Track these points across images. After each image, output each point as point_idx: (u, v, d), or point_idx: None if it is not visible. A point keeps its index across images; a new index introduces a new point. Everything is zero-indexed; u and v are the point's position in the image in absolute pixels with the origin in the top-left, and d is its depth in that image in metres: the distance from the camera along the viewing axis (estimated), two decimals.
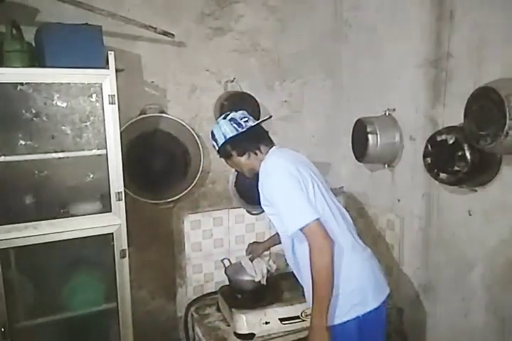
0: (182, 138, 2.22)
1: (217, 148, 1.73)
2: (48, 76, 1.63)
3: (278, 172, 1.55)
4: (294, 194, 1.49)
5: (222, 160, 1.94)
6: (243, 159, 1.69)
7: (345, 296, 1.54)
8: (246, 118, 1.70)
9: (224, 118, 1.71)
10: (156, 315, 2.36)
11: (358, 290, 1.56)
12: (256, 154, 1.69)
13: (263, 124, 1.78)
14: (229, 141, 1.67)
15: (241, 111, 1.74)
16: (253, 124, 1.70)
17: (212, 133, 1.74)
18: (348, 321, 1.54)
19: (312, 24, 2.47)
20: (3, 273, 1.64)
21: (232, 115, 1.71)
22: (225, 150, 1.70)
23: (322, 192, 1.60)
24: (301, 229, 1.45)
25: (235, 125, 1.67)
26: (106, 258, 1.82)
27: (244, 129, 1.66)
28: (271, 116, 1.86)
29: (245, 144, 1.68)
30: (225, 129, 1.67)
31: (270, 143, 1.74)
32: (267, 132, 1.77)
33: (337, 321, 1.54)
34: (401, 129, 2.12)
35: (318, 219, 1.45)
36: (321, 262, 1.43)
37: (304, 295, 1.68)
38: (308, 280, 1.51)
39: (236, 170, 1.81)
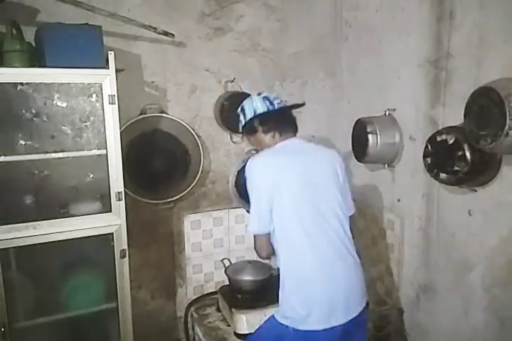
0: (182, 138, 2.22)
1: (243, 122, 1.74)
2: (47, 76, 1.63)
3: (252, 176, 1.61)
4: (253, 203, 1.61)
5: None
6: (267, 137, 1.70)
7: (288, 302, 1.57)
8: (279, 100, 1.74)
9: (258, 94, 1.75)
10: (156, 315, 2.36)
11: (298, 305, 1.54)
12: (280, 135, 1.70)
13: None
14: (259, 116, 1.69)
15: (276, 94, 1.80)
16: (285, 106, 1.74)
17: (242, 107, 1.75)
18: (279, 323, 1.56)
19: (312, 24, 2.47)
20: (3, 273, 1.64)
21: (266, 93, 1.75)
22: (252, 126, 1.71)
23: (298, 201, 1.58)
24: None
25: (267, 103, 1.70)
26: (106, 258, 1.82)
27: (275, 108, 1.70)
28: (304, 103, 1.85)
29: (273, 123, 1.70)
30: (257, 105, 1.70)
31: (293, 132, 1.75)
32: (294, 119, 1.78)
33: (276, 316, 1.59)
34: (401, 129, 2.12)
35: (259, 234, 1.62)
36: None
37: None
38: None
39: (255, 150, 1.84)
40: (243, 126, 1.76)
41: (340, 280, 1.57)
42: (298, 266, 1.58)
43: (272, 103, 1.70)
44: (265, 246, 1.63)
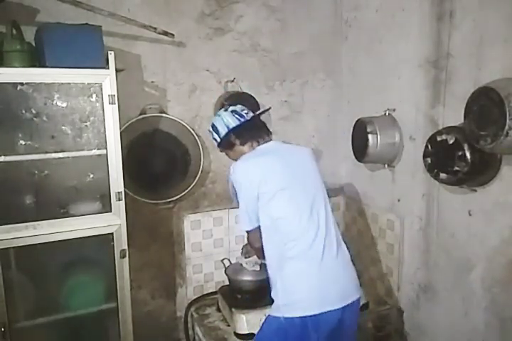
0: (182, 138, 2.22)
1: (218, 139, 1.79)
2: (48, 76, 1.63)
3: (237, 178, 1.66)
4: (241, 203, 1.68)
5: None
6: (245, 148, 1.75)
7: (281, 293, 1.61)
8: (246, 111, 1.80)
9: (225, 110, 1.79)
10: (156, 315, 2.36)
11: (292, 294, 1.59)
12: (258, 142, 1.75)
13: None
14: (232, 130, 1.74)
15: (239, 105, 1.83)
16: (255, 114, 1.80)
17: (212, 125, 1.80)
18: (274, 317, 1.61)
19: (312, 24, 2.47)
20: (3, 273, 1.64)
21: (232, 107, 1.79)
22: (229, 140, 1.76)
23: (287, 193, 1.62)
24: None
25: (237, 116, 1.75)
26: (106, 258, 1.82)
27: (247, 119, 1.75)
28: (270, 108, 1.94)
29: (248, 133, 1.75)
30: (228, 120, 1.75)
31: (268, 136, 1.80)
32: (265, 124, 1.84)
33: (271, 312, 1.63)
34: (401, 129, 2.12)
35: (251, 230, 1.70)
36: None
37: None
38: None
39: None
40: (219, 143, 1.81)
41: (330, 267, 1.61)
42: (288, 257, 1.60)
43: (241, 115, 1.76)
44: (258, 238, 1.69)
